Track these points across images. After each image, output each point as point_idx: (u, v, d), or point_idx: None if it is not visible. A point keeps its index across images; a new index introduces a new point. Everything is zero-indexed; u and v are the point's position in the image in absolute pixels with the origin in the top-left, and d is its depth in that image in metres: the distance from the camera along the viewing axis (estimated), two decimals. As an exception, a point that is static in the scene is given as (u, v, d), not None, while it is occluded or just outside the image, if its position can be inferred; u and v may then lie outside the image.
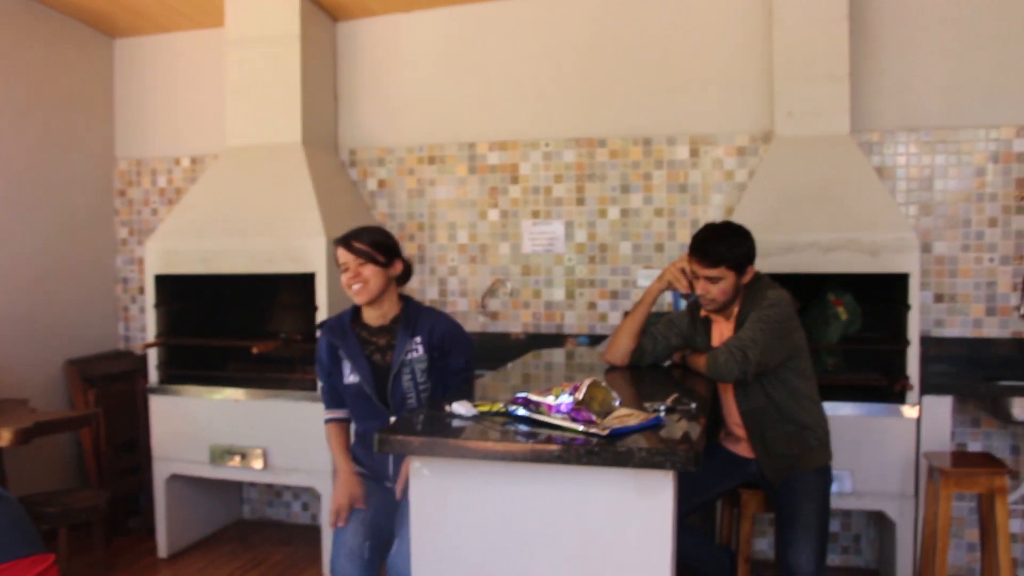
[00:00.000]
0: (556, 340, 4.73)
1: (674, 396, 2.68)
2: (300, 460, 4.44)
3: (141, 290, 5.48)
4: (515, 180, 4.86)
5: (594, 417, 2.37)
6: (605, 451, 2.24)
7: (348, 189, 5.05)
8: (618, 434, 2.32)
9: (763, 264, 3.97)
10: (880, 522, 4.27)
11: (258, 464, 4.51)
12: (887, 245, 3.92)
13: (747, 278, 3.26)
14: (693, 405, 2.65)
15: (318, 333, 3.26)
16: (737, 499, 3.57)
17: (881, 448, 3.95)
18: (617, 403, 2.49)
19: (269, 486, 5.26)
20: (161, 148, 5.47)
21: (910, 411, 3.93)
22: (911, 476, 3.93)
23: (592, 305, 4.74)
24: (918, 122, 4.42)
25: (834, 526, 4.50)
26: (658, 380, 3.31)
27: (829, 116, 4.23)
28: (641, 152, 4.68)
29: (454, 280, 4.97)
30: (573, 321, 4.76)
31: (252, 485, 5.28)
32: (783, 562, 3.11)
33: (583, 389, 2.42)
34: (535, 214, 4.83)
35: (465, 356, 3.11)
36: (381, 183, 5.10)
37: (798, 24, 4.27)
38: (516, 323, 4.86)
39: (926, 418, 3.95)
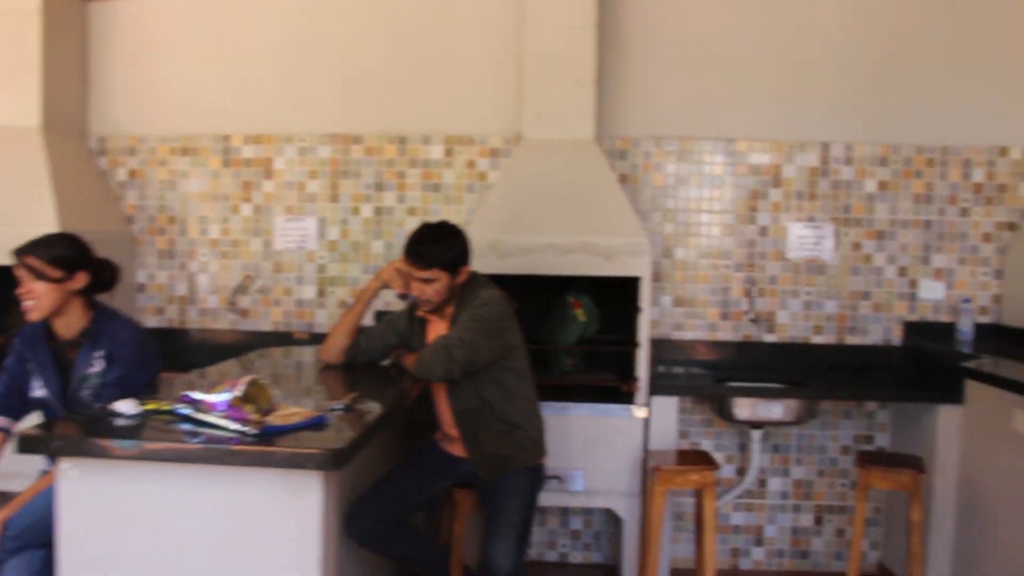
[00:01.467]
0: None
1: (353, 395, 2.64)
2: None
3: None
4: (269, 175, 4.71)
5: (249, 415, 2.28)
6: (247, 452, 2.17)
7: (95, 179, 4.76)
8: (272, 433, 2.26)
9: (504, 264, 4.02)
10: (615, 519, 4.37)
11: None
12: (621, 249, 4.03)
13: (462, 278, 3.25)
14: (372, 404, 2.62)
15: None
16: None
17: (612, 447, 4.05)
18: (280, 400, 2.42)
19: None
20: None
21: (639, 411, 4.05)
22: (638, 474, 4.05)
23: (343, 303, 4.64)
24: (662, 131, 4.58)
25: (576, 523, 4.59)
26: (369, 379, 3.27)
27: (575, 121, 4.30)
28: (396, 150, 4.64)
29: (204, 276, 4.77)
30: (324, 320, 4.66)
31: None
32: (484, 558, 3.12)
33: (241, 387, 2.33)
34: (288, 210, 4.70)
35: (126, 370, 2.92)
36: (132, 173, 4.83)
37: (548, 29, 4.31)
38: (267, 321, 4.71)
39: (654, 418, 4.08)
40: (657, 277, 4.53)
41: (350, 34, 4.66)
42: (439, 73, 4.62)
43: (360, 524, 3.04)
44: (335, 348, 3.37)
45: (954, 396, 3.97)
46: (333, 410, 2.52)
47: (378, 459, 3.36)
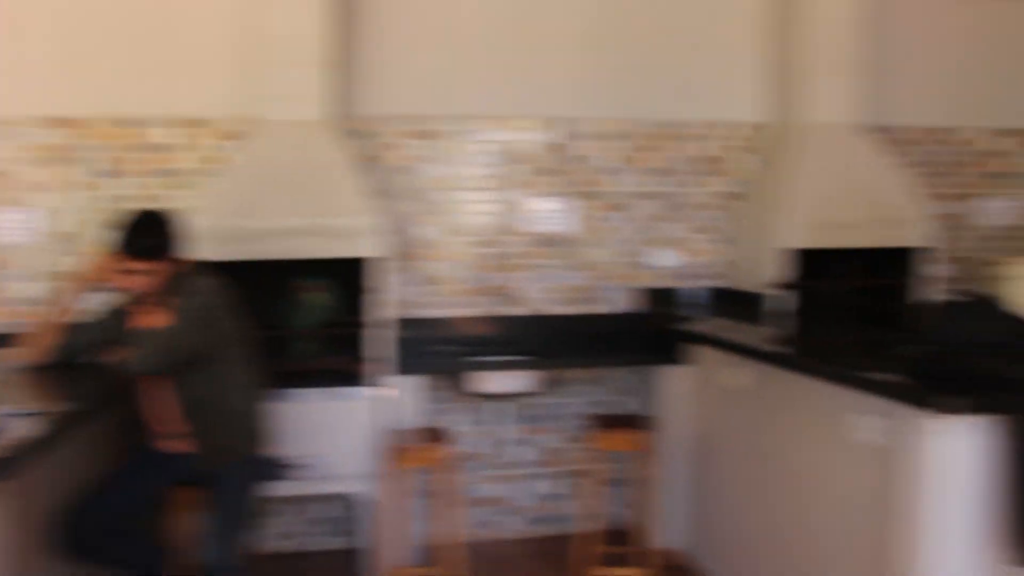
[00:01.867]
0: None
1: (41, 397, 2.50)
2: None
3: None
4: (-16, 163, 4.38)
5: None
6: None
7: None
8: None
9: (237, 250, 3.91)
10: (356, 503, 4.36)
11: None
12: (353, 230, 4.01)
13: (174, 268, 3.12)
14: (61, 406, 2.49)
15: None
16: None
17: (349, 431, 4.01)
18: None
19: None
20: None
21: (374, 392, 4.04)
22: (376, 456, 4.02)
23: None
24: (405, 111, 4.57)
25: (316, 510, 4.52)
26: (74, 378, 3.11)
27: (310, 102, 4.20)
28: (128, 135, 4.38)
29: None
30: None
31: None
32: (202, 552, 3.05)
33: None
34: (9, 201, 4.38)
35: None
36: None
37: (281, 9, 4.17)
38: (-11, 322, 4.40)
39: (400, 398, 4.08)
40: (405, 256, 4.54)
41: (69, 9, 4.36)
42: (171, 55, 4.39)
43: (69, 535, 2.88)
44: (42, 347, 3.19)
45: (680, 357, 4.21)
46: (11, 416, 2.38)
47: (93, 464, 3.18)
